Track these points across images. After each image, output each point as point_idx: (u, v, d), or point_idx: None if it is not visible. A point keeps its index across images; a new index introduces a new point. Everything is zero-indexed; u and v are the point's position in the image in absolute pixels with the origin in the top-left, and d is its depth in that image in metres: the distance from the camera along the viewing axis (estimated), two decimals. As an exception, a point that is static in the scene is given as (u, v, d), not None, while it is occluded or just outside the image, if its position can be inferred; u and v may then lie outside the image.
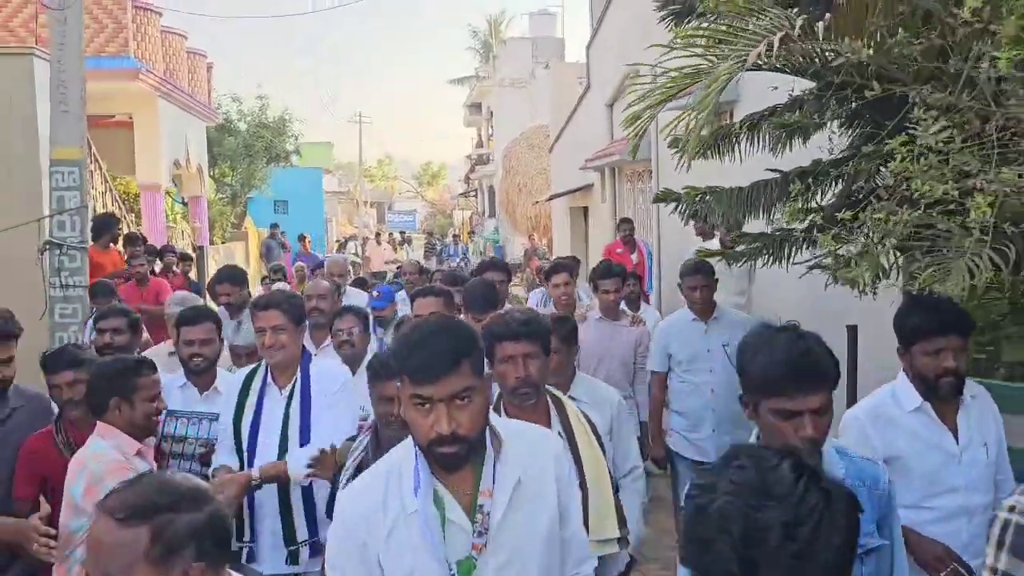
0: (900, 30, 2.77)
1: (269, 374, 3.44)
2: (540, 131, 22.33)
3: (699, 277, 4.69)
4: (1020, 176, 2.42)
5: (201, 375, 3.76)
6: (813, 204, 3.92)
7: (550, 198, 17.61)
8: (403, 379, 1.78)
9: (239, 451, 3.38)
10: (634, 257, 8.89)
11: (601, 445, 2.74)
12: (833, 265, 3.22)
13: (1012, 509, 1.83)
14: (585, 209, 15.46)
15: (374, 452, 2.71)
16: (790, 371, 1.92)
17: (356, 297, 6.45)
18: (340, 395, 3.38)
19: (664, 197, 4.48)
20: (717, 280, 4.83)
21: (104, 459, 2.91)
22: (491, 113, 32.09)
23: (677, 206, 4.36)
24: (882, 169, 2.92)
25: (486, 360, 2.63)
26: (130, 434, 3.02)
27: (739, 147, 4.07)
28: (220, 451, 3.45)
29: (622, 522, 2.71)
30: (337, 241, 32.36)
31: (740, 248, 4.25)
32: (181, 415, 3.62)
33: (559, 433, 2.63)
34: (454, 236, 31.59)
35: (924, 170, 2.56)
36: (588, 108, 14.16)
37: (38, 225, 6.49)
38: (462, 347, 1.78)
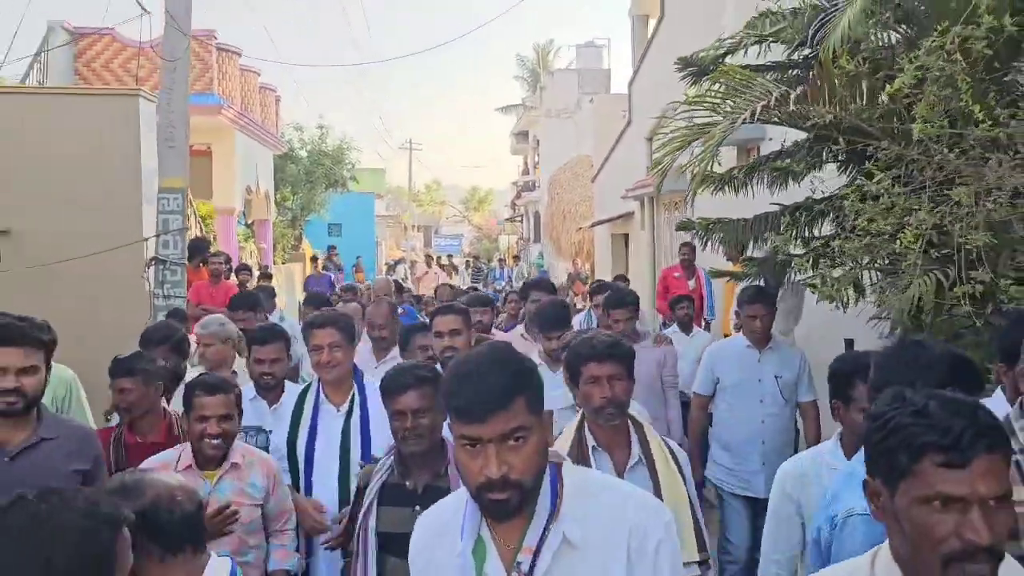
0: (860, 99, 3.54)
1: (322, 391, 3.50)
2: (584, 160, 23.13)
3: (759, 306, 4.43)
4: (942, 217, 3.14)
5: (271, 391, 3.96)
6: (814, 233, 4.69)
7: (593, 225, 18.40)
8: (451, 417, 1.62)
9: (294, 470, 3.43)
10: (691, 283, 8.78)
11: (681, 470, 2.70)
12: (820, 284, 3.97)
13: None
14: (626, 236, 16.20)
15: (400, 472, 2.73)
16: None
17: None
18: None
19: (684, 226, 5.29)
20: (776, 310, 4.63)
21: (144, 465, 3.01)
22: (537, 142, 32.98)
23: (695, 233, 5.15)
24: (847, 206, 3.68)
25: (570, 382, 2.77)
26: (195, 450, 3.06)
27: (751, 185, 4.85)
28: None
29: (702, 545, 2.61)
30: (386, 264, 33.42)
31: (747, 270, 5.01)
32: None
33: (639, 458, 2.66)
34: (499, 260, 32.42)
35: (873, 209, 3.30)
36: (629, 140, 14.96)
37: (144, 245, 7.48)
38: (516, 381, 1.61)
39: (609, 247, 17.31)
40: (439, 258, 29.13)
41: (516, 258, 30.49)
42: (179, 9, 6.89)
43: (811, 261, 3.86)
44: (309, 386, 3.59)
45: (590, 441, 2.69)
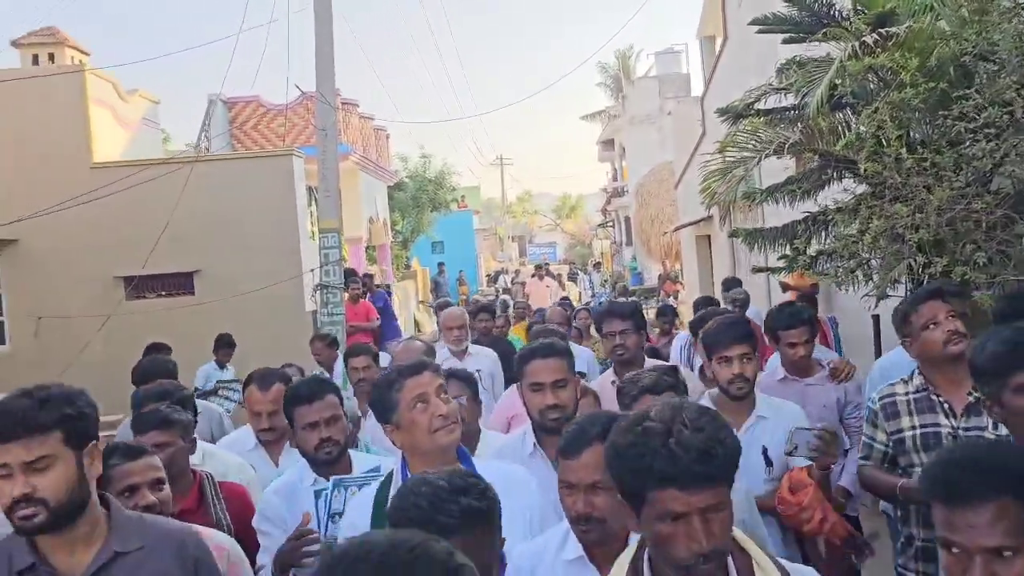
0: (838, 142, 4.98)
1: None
2: (668, 166, 24.42)
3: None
4: (893, 225, 4.55)
5: (332, 466, 2.87)
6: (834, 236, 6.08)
7: (675, 229, 19.73)
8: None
9: None
10: None
11: None
12: (834, 273, 5.40)
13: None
14: (708, 237, 17.48)
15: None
16: None
17: (480, 355, 6.05)
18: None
19: (733, 233, 6.77)
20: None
21: None
22: (623, 149, 34.21)
23: (742, 239, 6.62)
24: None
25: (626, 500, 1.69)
26: None
27: (781, 201, 6.26)
28: None
29: None
30: (487, 275, 35.41)
31: (785, 264, 6.42)
32: (350, 482, 2.70)
33: None
34: (595, 264, 33.83)
35: (844, 219, 4.76)
36: (705, 149, 16.29)
37: (311, 275, 9.46)
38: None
39: (694, 248, 18.60)
40: (542, 267, 28.21)
41: (597, 264, 31.61)
42: (327, 90, 8.83)
43: (815, 259, 5.29)
44: (391, 475, 2.50)
45: None
